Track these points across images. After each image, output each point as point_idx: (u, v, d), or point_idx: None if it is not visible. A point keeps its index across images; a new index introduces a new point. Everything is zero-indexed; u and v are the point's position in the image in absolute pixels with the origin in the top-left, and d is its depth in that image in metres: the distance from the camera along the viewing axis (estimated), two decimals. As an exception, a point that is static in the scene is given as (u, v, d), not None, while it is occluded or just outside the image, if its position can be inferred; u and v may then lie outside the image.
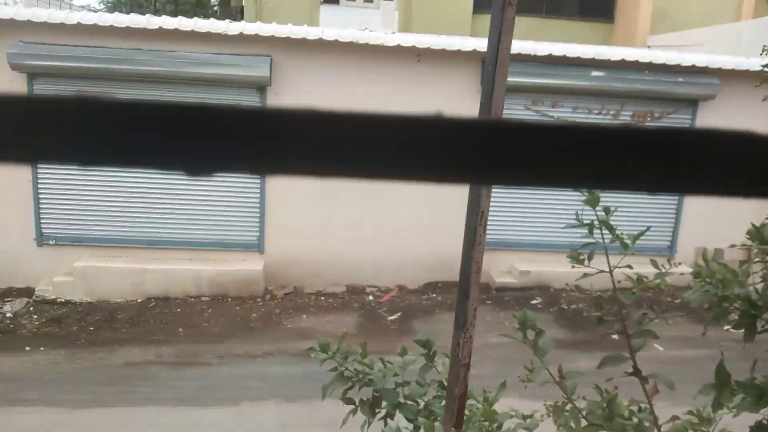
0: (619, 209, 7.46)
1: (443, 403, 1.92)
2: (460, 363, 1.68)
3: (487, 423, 1.71)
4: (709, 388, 1.63)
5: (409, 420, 2.04)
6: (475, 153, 0.32)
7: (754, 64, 8.23)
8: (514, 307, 7.92)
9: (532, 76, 8.17)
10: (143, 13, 8.17)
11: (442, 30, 8.94)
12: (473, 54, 8.05)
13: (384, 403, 2.03)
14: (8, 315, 7.37)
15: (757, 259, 1.79)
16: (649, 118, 8.59)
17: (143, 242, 8.24)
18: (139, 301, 7.85)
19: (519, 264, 8.68)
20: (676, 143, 0.34)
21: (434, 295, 8.35)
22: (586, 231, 1.93)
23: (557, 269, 8.38)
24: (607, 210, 1.87)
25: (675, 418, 1.67)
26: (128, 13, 7.99)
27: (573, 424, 1.82)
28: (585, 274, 1.92)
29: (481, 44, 8.03)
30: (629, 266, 1.84)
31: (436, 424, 1.80)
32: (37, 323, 7.25)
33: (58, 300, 7.70)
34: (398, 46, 7.90)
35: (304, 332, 7.24)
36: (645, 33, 15.48)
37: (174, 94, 7.97)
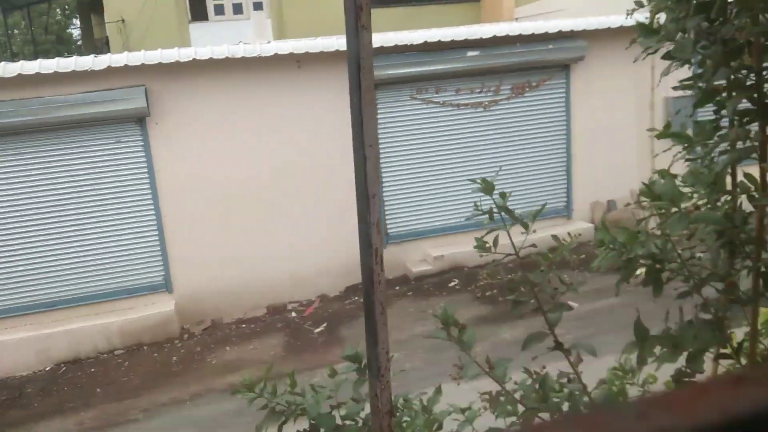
0: (514, 177, 7.67)
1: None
2: (381, 413, 1.62)
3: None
4: (631, 347, 1.68)
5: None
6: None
7: (616, 22, 8.66)
8: (434, 294, 8.04)
9: (413, 66, 8.29)
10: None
11: (318, 33, 8.88)
12: (345, 53, 8.03)
13: (323, 430, 1.96)
14: None
15: (652, 214, 1.87)
16: (527, 88, 8.94)
17: (41, 306, 7.65)
18: (47, 369, 7.28)
19: (432, 250, 8.81)
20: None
21: (356, 297, 8.32)
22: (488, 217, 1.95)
23: (468, 248, 8.55)
24: (503, 195, 1.89)
25: (602, 382, 1.71)
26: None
27: (510, 408, 1.84)
28: (494, 261, 1.94)
29: (356, 42, 8.04)
30: (533, 245, 1.86)
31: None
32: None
33: (-45, 386, 7.00)
34: (276, 55, 7.76)
35: (230, 365, 6.99)
36: (511, 7, 16.12)
37: (46, 144, 7.43)
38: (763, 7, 1.57)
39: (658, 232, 1.74)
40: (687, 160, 1.87)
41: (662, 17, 1.82)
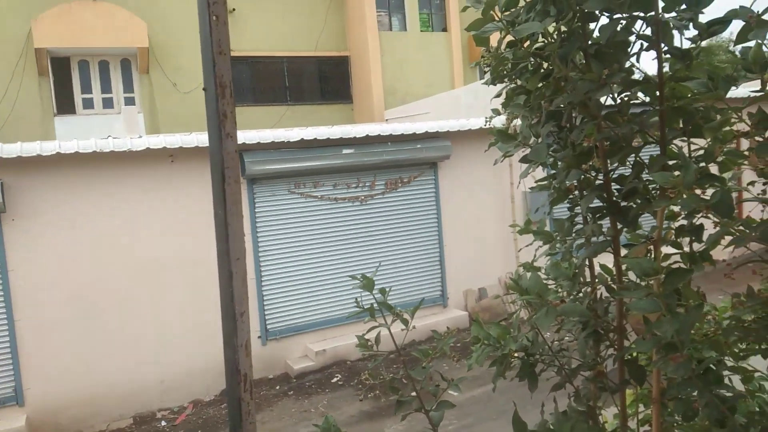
0: (392, 268, 7.81)
1: None
2: None
3: None
4: (510, 442, 1.69)
5: None
6: None
7: (477, 124, 9.52)
8: (317, 391, 7.76)
9: (290, 162, 8.39)
10: None
11: (193, 127, 8.77)
12: (227, 148, 8.01)
13: None
14: None
15: (521, 308, 1.95)
16: (400, 183, 9.34)
17: None
18: None
19: (313, 345, 8.61)
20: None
21: (233, 400, 7.82)
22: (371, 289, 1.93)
23: (350, 341, 8.49)
24: (383, 291, 1.90)
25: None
26: None
27: None
28: (374, 358, 1.91)
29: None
30: (413, 340, 1.86)
31: None
32: None
33: None
34: (148, 149, 7.55)
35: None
36: (381, 108, 17.06)
37: None
38: (605, 116, 1.76)
39: (528, 326, 1.81)
40: (548, 254, 2.00)
41: (518, 122, 1.99)
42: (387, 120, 15.96)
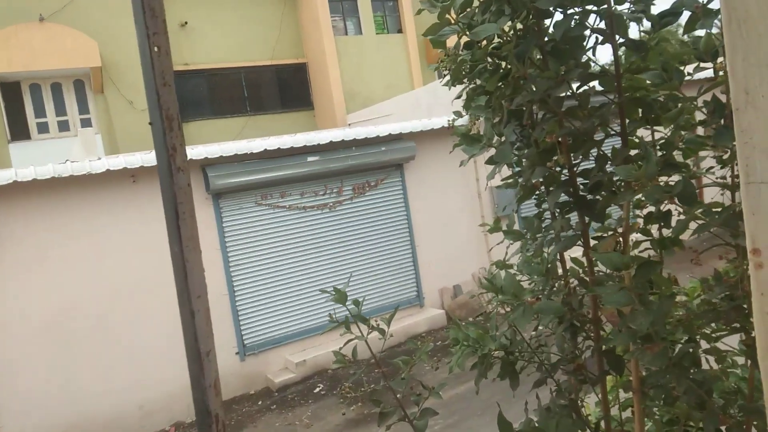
0: (366, 272, 7.78)
1: None
2: None
3: None
4: (495, 443, 1.68)
5: None
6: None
7: (439, 123, 9.57)
8: (300, 403, 7.69)
9: (255, 173, 8.30)
10: None
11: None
12: (190, 162, 7.90)
13: None
14: None
15: (496, 306, 1.95)
16: (367, 187, 9.32)
17: None
18: None
19: (293, 357, 8.53)
20: None
21: (215, 419, 7.69)
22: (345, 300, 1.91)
23: (329, 349, 8.43)
24: (356, 302, 1.87)
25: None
26: None
27: None
28: (354, 371, 1.89)
29: (196, 152, 7.93)
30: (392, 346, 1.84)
31: None
32: None
33: None
34: (108, 171, 7.39)
35: None
36: (343, 113, 17.02)
37: None
38: (566, 111, 1.77)
39: (506, 325, 1.81)
40: (520, 252, 2.00)
41: (481, 124, 1.99)
42: (350, 124, 15.93)
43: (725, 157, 1.50)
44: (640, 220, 1.88)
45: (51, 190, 7.31)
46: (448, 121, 2.06)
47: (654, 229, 1.87)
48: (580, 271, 1.96)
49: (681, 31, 1.62)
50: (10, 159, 14.66)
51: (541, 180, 1.88)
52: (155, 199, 7.75)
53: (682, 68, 1.48)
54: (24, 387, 7.06)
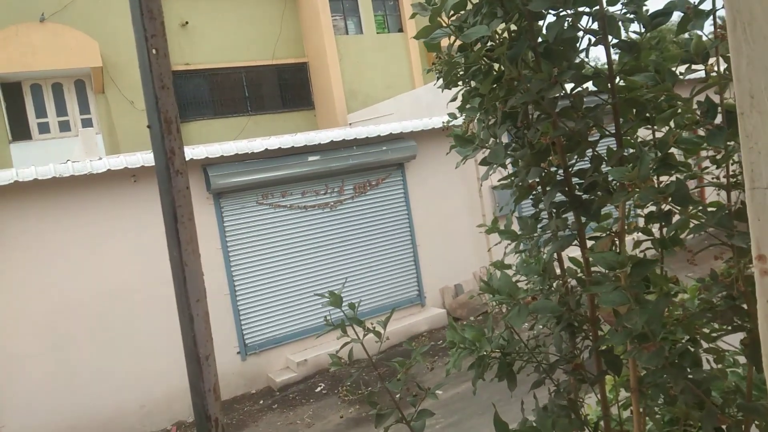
0: (368, 271, 7.77)
1: None
2: None
3: None
4: (493, 443, 1.69)
5: None
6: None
7: (440, 123, 9.55)
8: (301, 402, 7.70)
9: (257, 173, 8.31)
10: None
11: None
12: (191, 162, 7.91)
13: None
14: None
15: (494, 307, 1.95)
16: (368, 187, 9.32)
17: None
18: None
19: (294, 356, 8.54)
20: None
21: (217, 419, 7.71)
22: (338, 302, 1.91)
23: (330, 349, 8.43)
24: (352, 306, 1.88)
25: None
26: None
27: None
28: (351, 373, 1.89)
29: (197, 152, 7.93)
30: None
31: None
32: None
33: None
34: (109, 171, 7.40)
35: None
36: (344, 112, 17.01)
37: None
38: (560, 112, 1.77)
39: (504, 325, 1.81)
40: (516, 251, 2.00)
41: (475, 126, 1.99)
42: (350, 124, 15.93)
43: (719, 157, 1.50)
44: (641, 220, 1.88)
45: (52, 190, 7.33)
46: (443, 123, 2.06)
47: (655, 228, 1.87)
48: (578, 270, 1.96)
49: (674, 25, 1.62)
50: (11, 159, 14.69)
51: (537, 180, 1.88)
52: (156, 199, 7.70)
53: (674, 69, 1.48)
54: (25, 386, 7.09)
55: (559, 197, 1.88)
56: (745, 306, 1.70)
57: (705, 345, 1.87)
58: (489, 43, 1.66)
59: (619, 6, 1.50)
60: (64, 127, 15.74)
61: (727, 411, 1.84)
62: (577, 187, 1.82)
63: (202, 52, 16.64)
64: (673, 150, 1.62)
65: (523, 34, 1.60)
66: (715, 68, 1.42)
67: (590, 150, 1.74)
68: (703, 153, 1.78)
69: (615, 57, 1.67)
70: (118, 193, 7.69)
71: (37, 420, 7.11)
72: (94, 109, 15.93)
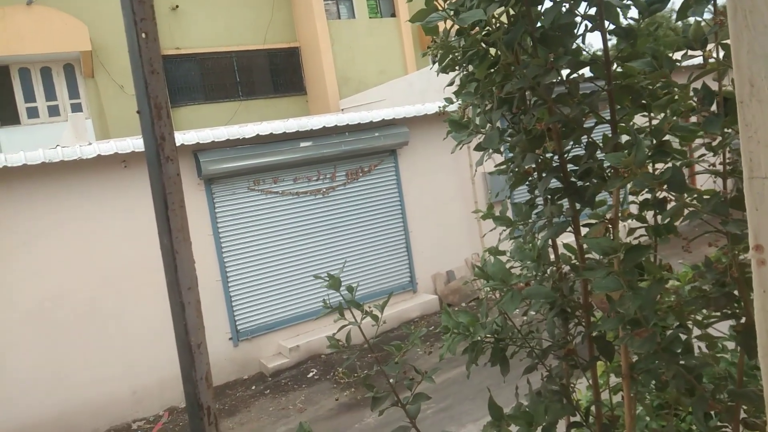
0: (360, 258, 7.80)
1: None
2: None
3: None
4: (489, 428, 1.70)
5: None
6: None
7: (432, 109, 9.53)
8: (293, 388, 7.73)
9: (248, 159, 8.27)
10: None
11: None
12: (182, 148, 7.86)
13: None
14: None
15: (487, 293, 1.96)
16: (360, 173, 9.30)
17: None
18: None
19: (286, 342, 8.56)
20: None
21: (209, 404, 7.72)
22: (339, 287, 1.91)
23: (322, 334, 8.47)
24: (350, 288, 1.88)
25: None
26: None
27: None
28: (348, 356, 1.89)
29: (188, 138, 7.88)
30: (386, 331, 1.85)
31: None
32: None
33: None
34: (99, 156, 7.34)
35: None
36: (336, 98, 16.92)
37: None
38: (555, 98, 1.76)
39: (497, 311, 1.82)
40: (511, 238, 2.01)
41: (471, 111, 1.98)
42: (343, 110, 15.86)
43: (714, 144, 1.50)
44: (635, 207, 1.88)
45: (41, 176, 7.26)
46: (439, 107, 2.05)
47: (650, 215, 1.87)
48: (572, 257, 1.97)
49: (675, 17, 1.62)
50: (0, 144, 14.54)
51: (532, 166, 1.88)
52: (147, 184, 7.66)
53: (671, 55, 1.48)
54: (15, 373, 7.06)
55: (554, 183, 1.88)
56: (736, 293, 1.72)
57: (696, 331, 1.89)
58: (486, 28, 1.65)
59: (616, -9, 1.49)
60: (53, 111, 15.58)
61: (718, 397, 1.86)
62: (573, 173, 1.82)
63: (193, 36, 16.48)
64: (668, 137, 1.63)
65: (520, 19, 1.59)
66: (714, 54, 1.42)
67: (585, 136, 1.74)
68: (698, 140, 1.79)
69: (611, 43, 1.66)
70: (109, 179, 7.63)
71: (27, 407, 7.09)
72: (83, 93, 15.76)
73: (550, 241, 1.99)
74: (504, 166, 2.02)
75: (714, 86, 1.53)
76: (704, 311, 1.89)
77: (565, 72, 1.66)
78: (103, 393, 7.47)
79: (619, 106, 1.65)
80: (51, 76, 15.53)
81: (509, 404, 2.01)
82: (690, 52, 1.49)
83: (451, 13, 1.53)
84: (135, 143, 7.55)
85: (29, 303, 7.16)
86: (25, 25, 14.25)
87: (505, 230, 2.10)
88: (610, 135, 1.66)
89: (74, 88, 15.77)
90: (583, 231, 1.89)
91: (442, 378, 6.91)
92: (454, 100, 2.00)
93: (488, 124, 1.84)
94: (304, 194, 8.87)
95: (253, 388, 7.98)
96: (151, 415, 7.69)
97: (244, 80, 17.43)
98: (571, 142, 1.80)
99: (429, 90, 11.27)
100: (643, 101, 1.60)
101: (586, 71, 1.69)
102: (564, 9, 1.52)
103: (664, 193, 1.60)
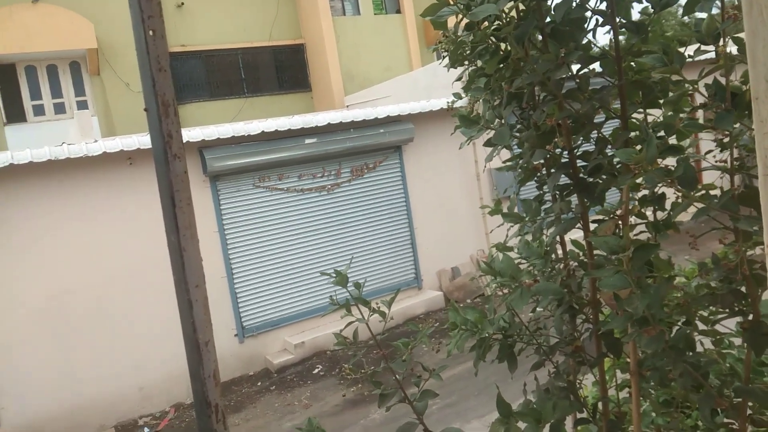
0: (365, 254, 7.81)
1: None
2: None
3: None
4: (497, 425, 1.70)
5: None
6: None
7: (437, 105, 9.51)
8: (299, 384, 7.75)
9: (253, 155, 8.27)
10: None
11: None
12: (187, 145, 7.87)
13: None
14: None
15: (495, 289, 1.96)
16: (365, 170, 9.30)
17: None
18: None
19: (292, 338, 8.58)
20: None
21: (215, 400, 7.75)
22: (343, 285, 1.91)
23: (328, 331, 8.48)
24: (357, 285, 1.88)
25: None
26: None
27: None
28: (354, 353, 1.90)
29: (193, 135, 7.89)
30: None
31: None
32: None
33: None
34: (105, 153, 7.36)
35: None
36: (341, 94, 16.90)
37: None
38: (566, 94, 1.76)
39: (505, 308, 1.82)
40: (519, 234, 2.00)
41: (480, 106, 1.98)
42: (348, 106, 15.84)
43: (725, 140, 1.49)
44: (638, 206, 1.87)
45: (47, 173, 7.29)
46: (448, 103, 2.05)
47: (649, 211, 1.87)
48: (580, 253, 1.97)
49: (681, 12, 1.61)
50: (6, 141, 14.59)
51: (542, 162, 1.87)
52: (153, 181, 7.69)
53: (682, 50, 1.47)
54: (23, 370, 7.10)
55: (564, 180, 1.88)
56: (744, 290, 1.71)
57: (701, 328, 1.88)
58: (496, 23, 1.64)
59: (626, -14, 1.49)
60: (59, 109, 15.62)
61: (724, 393, 1.85)
62: (582, 169, 1.81)
63: (198, 34, 16.48)
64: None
65: (530, 14, 1.59)
66: (727, 49, 1.41)
67: (595, 132, 1.73)
68: (701, 135, 1.78)
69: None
70: (115, 176, 7.66)
71: (35, 403, 7.13)
72: (89, 91, 15.79)
73: (558, 238, 1.98)
74: (512, 162, 2.02)
75: (721, 81, 1.52)
76: (711, 308, 1.89)
77: (575, 67, 1.65)
78: (110, 389, 7.51)
79: (629, 102, 1.64)
80: (57, 74, 15.57)
81: (514, 400, 2.01)
82: (702, 47, 1.48)
83: (462, 7, 1.53)
84: (141, 140, 7.57)
85: (37, 300, 7.19)
86: (31, 23, 14.27)
87: (512, 226, 2.10)
88: (619, 131, 1.65)
89: (80, 85, 15.81)
90: (593, 227, 1.88)
91: (447, 374, 6.90)
92: (463, 95, 1.99)
93: (498, 120, 1.83)
94: (309, 191, 8.88)
95: (259, 384, 8.00)
96: (157, 411, 7.73)
97: (249, 77, 17.43)
98: (581, 138, 1.79)
99: (434, 86, 11.25)
100: (653, 97, 1.60)
101: (596, 66, 1.68)
102: (575, 3, 1.52)
103: (663, 190, 1.60)
